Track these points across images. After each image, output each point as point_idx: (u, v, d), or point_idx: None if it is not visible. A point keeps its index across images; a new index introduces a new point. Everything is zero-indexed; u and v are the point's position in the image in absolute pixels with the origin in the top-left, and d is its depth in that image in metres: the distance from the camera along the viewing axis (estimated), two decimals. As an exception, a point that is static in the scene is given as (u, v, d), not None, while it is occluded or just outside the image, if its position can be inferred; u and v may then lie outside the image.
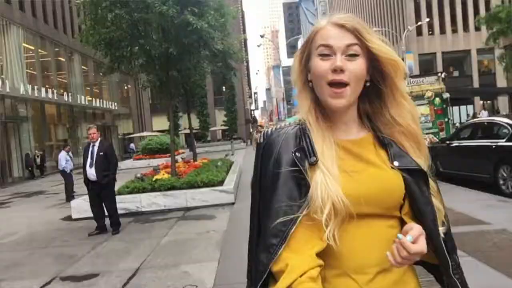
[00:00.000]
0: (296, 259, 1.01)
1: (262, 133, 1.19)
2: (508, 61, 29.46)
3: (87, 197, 8.55)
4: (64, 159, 13.58)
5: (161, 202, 9.53)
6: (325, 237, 1.03)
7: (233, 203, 9.44)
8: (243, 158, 22.57)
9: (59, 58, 33.57)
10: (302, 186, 1.06)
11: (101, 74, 29.86)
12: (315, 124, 1.13)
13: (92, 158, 7.63)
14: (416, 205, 1.10)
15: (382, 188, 1.08)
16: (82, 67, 37.07)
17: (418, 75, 18.65)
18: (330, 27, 1.12)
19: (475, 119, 12.65)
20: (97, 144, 7.70)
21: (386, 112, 1.16)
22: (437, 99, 15.98)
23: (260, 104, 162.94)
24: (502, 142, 8.35)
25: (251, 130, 56.67)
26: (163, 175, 10.97)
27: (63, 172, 13.49)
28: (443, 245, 1.12)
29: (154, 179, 10.43)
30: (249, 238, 1.21)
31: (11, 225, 9.67)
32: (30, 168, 25.99)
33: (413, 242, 0.98)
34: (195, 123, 43.31)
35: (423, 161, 1.15)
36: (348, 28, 1.10)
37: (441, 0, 50.69)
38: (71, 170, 13.69)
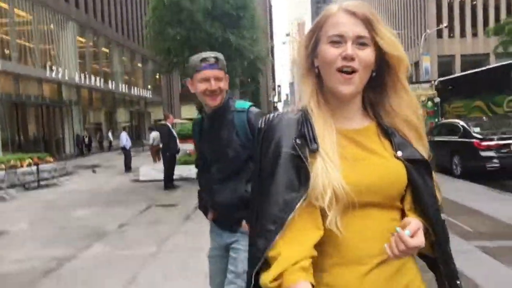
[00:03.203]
0: (290, 248, 1.01)
1: (262, 119, 1.19)
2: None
3: (152, 166, 12.02)
4: (125, 138, 17.21)
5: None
6: (326, 224, 1.03)
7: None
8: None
9: (104, 49, 37.47)
10: (302, 173, 1.05)
11: (158, 74, 33.77)
12: (316, 110, 1.13)
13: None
14: (419, 196, 1.10)
15: (384, 177, 1.08)
16: (123, 58, 40.99)
17: (414, 82, 21.59)
18: (341, 14, 1.11)
19: (443, 121, 15.46)
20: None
21: (387, 102, 1.17)
22: (430, 102, 19.10)
23: (283, 97, 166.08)
24: (455, 138, 11.46)
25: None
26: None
27: (123, 149, 17.11)
28: (447, 237, 1.14)
29: (198, 155, 13.93)
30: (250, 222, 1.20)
31: (95, 184, 13.30)
32: (80, 146, 29.98)
33: (411, 236, 0.99)
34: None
35: (424, 151, 1.16)
36: (359, 16, 1.10)
37: (463, 4, 52.76)
38: (130, 148, 17.28)
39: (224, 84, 2.21)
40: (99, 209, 8.86)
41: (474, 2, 53.31)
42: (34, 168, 12.95)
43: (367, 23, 1.10)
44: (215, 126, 2.29)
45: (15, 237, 6.85)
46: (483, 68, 18.34)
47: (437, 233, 1.11)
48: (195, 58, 2.21)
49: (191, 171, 12.95)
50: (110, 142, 34.84)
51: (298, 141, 1.07)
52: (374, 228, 1.07)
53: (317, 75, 1.16)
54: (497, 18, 49.33)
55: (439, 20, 49.93)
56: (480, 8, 52.97)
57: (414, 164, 1.11)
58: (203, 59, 2.16)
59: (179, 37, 13.59)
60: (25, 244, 6.30)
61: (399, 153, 1.11)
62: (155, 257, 5.35)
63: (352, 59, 1.07)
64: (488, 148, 10.41)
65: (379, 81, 1.17)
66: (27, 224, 7.69)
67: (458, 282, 1.15)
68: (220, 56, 2.24)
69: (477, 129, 11.20)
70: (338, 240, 1.04)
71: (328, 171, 1.03)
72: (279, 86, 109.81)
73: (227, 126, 2.23)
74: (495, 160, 10.25)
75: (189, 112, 53.71)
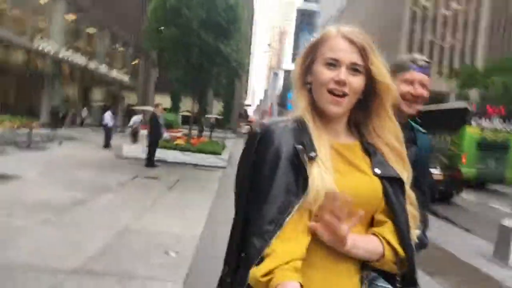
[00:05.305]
0: (284, 247, 1.04)
1: (256, 124, 1.23)
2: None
3: (135, 146, 13.91)
4: (109, 117, 18.89)
5: (180, 157, 15.00)
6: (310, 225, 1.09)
7: (225, 167, 14.96)
8: (233, 145, 28.19)
9: (89, 28, 38.61)
10: (300, 178, 1.09)
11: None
12: (312, 122, 1.19)
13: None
14: (391, 211, 1.16)
15: (365, 192, 1.15)
16: (106, 39, 42.16)
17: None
18: (340, 39, 1.18)
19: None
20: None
21: (370, 124, 1.24)
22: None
23: (257, 102, 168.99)
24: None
25: (241, 124, 62.24)
26: (181, 142, 16.47)
27: (105, 126, 18.80)
28: (413, 250, 1.18)
29: (175, 142, 15.92)
30: (232, 227, 1.26)
31: (82, 153, 15.03)
32: (54, 118, 31.07)
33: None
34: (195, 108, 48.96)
35: (405, 174, 1.23)
36: (357, 44, 1.16)
37: (432, 45, 57.08)
38: (113, 126, 18.97)
39: (426, 93, 1.99)
40: (96, 172, 10.75)
41: (443, 44, 57.85)
42: (24, 130, 14.50)
43: (363, 51, 1.16)
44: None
45: (32, 181, 8.66)
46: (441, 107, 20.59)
47: (405, 246, 1.15)
48: (406, 56, 2.04)
49: (167, 155, 14.96)
50: (83, 119, 36.06)
51: (299, 147, 1.12)
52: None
53: (310, 90, 1.23)
54: (462, 60, 54.01)
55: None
56: (448, 50, 57.56)
57: (389, 182, 1.18)
58: (415, 60, 1.97)
59: (174, 38, 15.60)
60: (45, 187, 8.14)
61: (377, 171, 1.18)
62: (150, 208, 7.40)
63: (344, 84, 1.14)
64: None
65: (365, 104, 1.23)
66: (38, 174, 9.50)
67: None
68: (431, 62, 2.06)
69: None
70: (317, 243, 1.09)
71: (323, 177, 1.09)
72: (252, 91, 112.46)
73: (407, 143, 1.94)
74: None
75: (162, 100, 55.42)
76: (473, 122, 16.47)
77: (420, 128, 2.14)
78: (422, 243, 2.04)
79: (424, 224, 2.05)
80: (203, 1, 15.00)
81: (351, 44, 1.17)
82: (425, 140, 2.11)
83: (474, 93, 38.36)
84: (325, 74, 1.17)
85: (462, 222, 9.51)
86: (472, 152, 16.37)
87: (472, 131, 16.40)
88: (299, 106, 1.23)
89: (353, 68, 1.16)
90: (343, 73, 1.15)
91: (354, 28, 1.20)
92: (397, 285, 1.20)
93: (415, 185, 2.01)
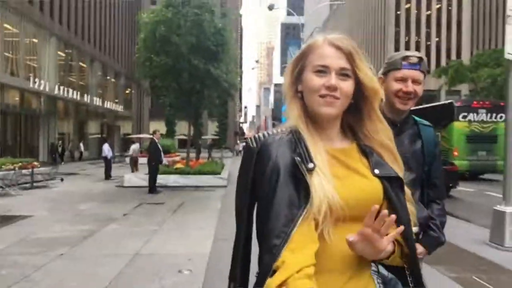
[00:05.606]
0: (293, 257, 1.04)
1: (252, 138, 1.24)
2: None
3: (136, 174, 14.16)
4: (107, 149, 19.21)
5: (181, 181, 15.25)
6: (319, 233, 1.10)
7: (226, 186, 15.19)
8: (231, 163, 28.45)
9: (81, 63, 39.15)
10: (301, 189, 1.10)
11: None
12: (306, 130, 1.20)
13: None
14: (393, 210, 1.17)
15: (366, 193, 1.17)
16: (98, 72, 42.70)
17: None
18: (327, 46, 1.21)
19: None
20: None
21: (363, 126, 1.27)
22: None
23: (249, 119, 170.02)
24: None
25: (238, 142, 62.69)
26: (180, 166, 16.74)
27: (105, 158, 19.08)
28: (415, 247, 1.23)
29: (175, 167, 16.19)
30: (234, 243, 1.27)
31: (83, 187, 15.27)
32: (53, 155, 31.33)
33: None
34: (191, 131, 49.48)
35: (401, 173, 1.26)
36: (344, 50, 1.20)
37: (418, 44, 57.94)
38: (111, 157, 19.27)
39: (420, 89, 2.01)
40: (99, 204, 10.99)
41: (428, 43, 58.75)
42: (26, 171, 14.77)
43: (350, 57, 1.20)
44: (401, 133, 2.10)
45: (42, 220, 8.90)
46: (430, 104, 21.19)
47: (408, 243, 1.20)
48: (398, 54, 2.05)
49: (168, 179, 15.20)
50: (81, 153, 36.36)
51: (298, 158, 1.13)
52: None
53: (301, 99, 1.25)
54: (448, 57, 54.80)
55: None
56: (434, 48, 58.40)
57: (389, 181, 1.20)
58: (405, 57, 1.99)
59: (165, 65, 15.96)
60: (54, 224, 8.38)
61: (376, 171, 1.20)
62: (158, 232, 7.64)
63: (335, 89, 1.17)
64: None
65: (357, 108, 1.26)
66: (46, 212, 9.74)
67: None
68: (424, 57, 2.05)
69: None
70: (325, 249, 1.10)
71: (324, 187, 1.10)
72: (245, 107, 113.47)
73: (413, 137, 2.10)
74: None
75: (157, 126, 55.90)
76: (460, 117, 16.98)
77: (424, 121, 2.16)
78: (439, 241, 2.14)
79: (441, 222, 2.15)
80: (192, 27, 15.43)
81: (338, 50, 1.20)
82: (430, 133, 2.14)
83: (464, 88, 39.05)
84: (316, 81, 1.19)
85: (460, 213, 9.78)
86: (462, 145, 16.95)
87: (460, 125, 17.04)
88: (292, 115, 1.25)
89: (342, 73, 1.19)
90: (333, 79, 1.18)
91: (340, 35, 1.24)
92: (410, 284, 1.23)
93: (429, 180, 2.14)
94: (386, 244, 1.08)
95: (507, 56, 6.45)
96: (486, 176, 18.39)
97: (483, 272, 5.43)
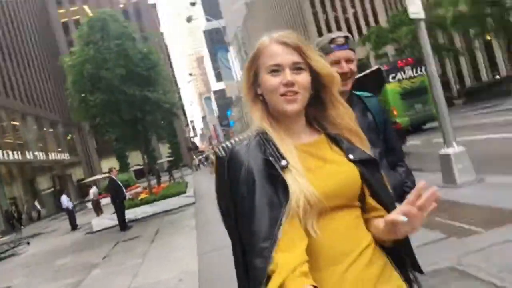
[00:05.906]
0: (285, 257, 1.04)
1: (220, 148, 1.23)
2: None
3: (102, 216, 14.03)
4: (65, 200, 18.78)
5: (149, 210, 15.24)
6: (304, 228, 1.11)
7: (194, 203, 15.34)
8: (192, 179, 28.49)
9: (13, 122, 37.69)
10: (279, 187, 1.11)
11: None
12: (272, 130, 1.21)
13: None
14: (373, 192, 1.21)
15: (343, 181, 1.17)
16: (33, 127, 41.24)
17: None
18: (274, 45, 1.22)
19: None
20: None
21: (329, 115, 1.28)
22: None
23: (199, 131, 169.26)
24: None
25: (194, 157, 62.40)
26: (144, 196, 16.70)
27: (66, 210, 18.65)
28: None
29: (140, 198, 16.14)
30: (234, 255, 1.24)
31: (52, 245, 14.91)
32: (11, 222, 30.05)
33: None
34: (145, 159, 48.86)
35: (368, 151, 1.27)
36: (291, 45, 1.20)
37: (337, 18, 60.16)
38: (72, 207, 18.87)
39: (354, 67, 2.03)
40: (75, 255, 10.87)
41: (346, 16, 61.11)
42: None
43: (299, 50, 1.20)
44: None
45: (23, 286, 8.74)
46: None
47: None
48: (324, 39, 2.05)
49: (136, 212, 15.16)
50: (39, 212, 35.07)
51: (271, 158, 1.14)
52: (343, 228, 1.15)
53: (262, 101, 1.26)
54: (367, 25, 57.27)
55: (320, 36, 55.93)
56: (353, 20, 60.80)
57: (364, 164, 1.22)
58: (332, 40, 2.00)
59: (101, 102, 15.85)
60: (38, 286, 8.28)
61: (351, 156, 1.21)
62: (142, 263, 7.75)
63: (292, 84, 1.17)
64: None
65: (318, 98, 1.27)
66: (24, 277, 9.55)
67: (417, 264, 1.28)
68: (349, 35, 2.06)
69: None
70: (313, 244, 1.10)
71: (298, 182, 1.10)
72: (192, 121, 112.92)
73: (362, 111, 2.12)
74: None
75: (110, 164, 54.68)
76: (390, 79, 18.12)
77: (365, 93, 2.20)
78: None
79: (412, 181, 2.12)
80: (117, 58, 15.42)
81: (286, 46, 1.20)
82: (374, 102, 2.18)
83: (390, 49, 40.99)
84: (272, 81, 1.19)
85: (414, 165, 10.47)
86: (399, 103, 18.13)
87: (392, 86, 18.26)
88: (255, 118, 1.25)
89: (296, 67, 1.19)
90: (288, 75, 1.18)
91: (284, 31, 1.25)
92: (408, 268, 1.26)
93: (387, 146, 2.14)
94: (423, 220, 1.09)
95: (412, 16, 7.10)
96: (428, 125, 19.57)
97: (443, 211, 5.94)
